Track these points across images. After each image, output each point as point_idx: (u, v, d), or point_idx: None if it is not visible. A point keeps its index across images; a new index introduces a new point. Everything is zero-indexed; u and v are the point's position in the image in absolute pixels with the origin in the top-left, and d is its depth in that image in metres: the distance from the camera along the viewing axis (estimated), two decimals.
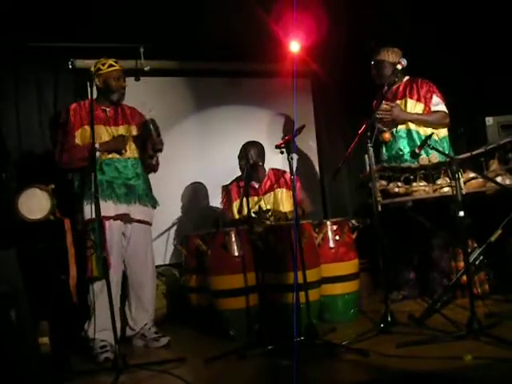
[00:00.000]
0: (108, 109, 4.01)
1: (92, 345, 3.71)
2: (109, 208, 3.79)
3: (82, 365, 3.59)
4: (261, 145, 4.81)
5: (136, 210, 3.96)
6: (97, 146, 3.67)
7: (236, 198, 4.72)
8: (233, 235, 4.07)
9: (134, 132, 4.06)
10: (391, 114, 4.48)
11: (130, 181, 3.95)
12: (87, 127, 3.87)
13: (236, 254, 4.03)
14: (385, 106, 4.45)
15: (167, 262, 5.28)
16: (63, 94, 4.77)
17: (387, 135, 4.56)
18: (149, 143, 3.98)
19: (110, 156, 3.91)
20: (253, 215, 4.42)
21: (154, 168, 4.19)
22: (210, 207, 5.58)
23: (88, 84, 3.71)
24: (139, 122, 4.09)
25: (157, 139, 3.95)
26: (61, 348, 3.68)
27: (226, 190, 4.86)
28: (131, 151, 4.01)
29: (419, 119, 4.51)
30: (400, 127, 4.56)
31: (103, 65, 3.97)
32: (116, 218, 3.86)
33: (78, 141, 3.89)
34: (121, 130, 4.01)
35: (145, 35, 4.99)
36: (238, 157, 4.76)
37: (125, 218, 3.91)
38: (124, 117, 4.07)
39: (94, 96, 3.73)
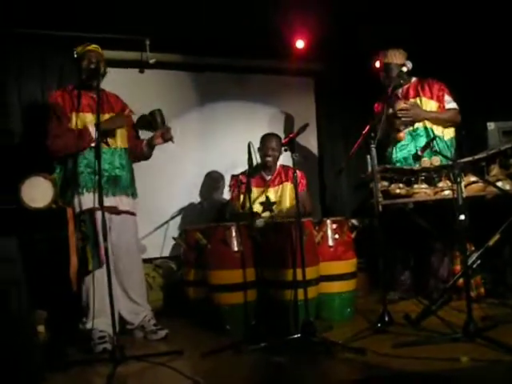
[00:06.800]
0: (95, 96, 3.83)
1: (90, 336, 3.69)
2: (96, 199, 3.68)
3: (79, 355, 3.59)
4: (278, 136, 4.84)
5: (122, 202, 3.95)
6: (93, 133, 3.73)
7: (243, 189, 4.71)
8: (233, 230, 4.08)
9: None
10: (412, 114, 4.52)
11: (115, 171, 3.92)
12: (75, 115, 3.85)
13: (236, 249, 4.03)
14: (403, 105, 4.49)
15: (164, 254, 5.29)
16: (68, 82, 4.73)
17: (402, 134, 4.59)
18: (157, 133, 4.03)
19: None
20: (259, 206, 4.45)
21: (148, 157, 4.21)
22: (210, 200, 5.60)
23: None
24: (123, 108, 4.09)
25: (166, 129, 4.02)
26: (58, 338, 3.69)
27: (235, 179, 4.84)
28: (116, 142, 3.97)
29: (436, 117, 4.56)
30: (417, 125, 4.58)
31: (82, 48, 3.96)
32: (104, 210, 3.82)
33: (70, 125, 3.84)
34: (106, 117, 3.95)
35: (151, 28, 4.98)
36: (258, 148, 4.80)
37: (112, 210, 3.86)
38: (108, 104, 4.04)
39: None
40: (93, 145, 3.74)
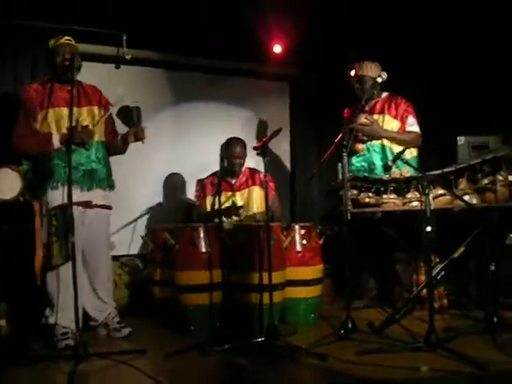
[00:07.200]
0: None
1: (53, 331, 3.66)
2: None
3: (42, 350, 3.55)
4: (244, 142, 4.85)
5: (97, 195, 3.91)
6: (57, 143, 3.71)
7: (210, 193, 4.74)
8: (201, 231, 4.08)
9: (96, 112, 4.00)
10: (370, 129, 4.57)
11: (91, 165, 3.89)
12: (50, 110, 3.81)
13: (203, 250, 4.04)
14: (364, 120, 4.54)
15: (131, 252, 5.24)
16: (42, 74, 4.65)
17: (360, 147, 4.66)
18: (131, 131, 3.99)
19: None
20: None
21: (124, 152, 4.18)
22: (180, 199, 5.58)
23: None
24: (100, 100, 4.07)
25: (140, 128, 3.98)
26: (20, 332, 3.64)
27: (201, 184, 4.87)
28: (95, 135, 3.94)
29: (394, 138, 4.64)
30: (374, 142, 4.67)
31: (55, 41, 3.92)
32: (78, 204, 3.75)
33: (39, 125, 3.80)
34: (84, 111, 3.93)
35: (128, 23, 4.93)
36: (221, 152, 4.80)
37: (86, 205, 3.84)
38: (86, 97, 4.00)
39: None
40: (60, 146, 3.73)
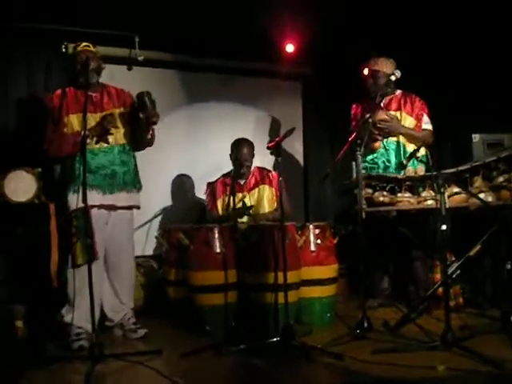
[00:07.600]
0: (94, 94, 3.91)
1: (68, 331, 3.68)
2: (93, 197, 3.68)
3: (58, 351, 3.57)
4: (251, 142, 4.84)
5: (121, 198, 3.92)
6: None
7: (221, 195, 4.75)
8: (216, 232, 4.08)
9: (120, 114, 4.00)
10: (390, 126, 4.56)
11: (114, 168, 3.89)
12: (73, 115, 3.83)
13: (218, 250, 4.04)
14: (385, 116, 4.52)
15: (146, 253, 5.25)
16: (55, 77, 4.71)
17: (378, 144, 4.63)
18: (143, 116, 3.88)
19: (98, 146, 3.83)
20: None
21: (149, 142, 4.07)
22: (193, 200, 5.59)
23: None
24: (125, 101, 4.05)
25: (152, 112, 3.86)
26: (37, 333, 3.66)
27: (211, 187, 4.85)
28: (117, 138, 3.94)
29: (411, 134, 4.63)
30: (391, 139, 4.64)
31: (75, 48, 3.93)
32: (101, 207, 3.81)
33: (66, 129, 3.82)
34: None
35: (140, 24, 4.95)
36: (230, 154, 4.82)
37: (109, 207, 3.86)
38: (110, 100, 4.00)
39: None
40: (89, 146, 3.68)
